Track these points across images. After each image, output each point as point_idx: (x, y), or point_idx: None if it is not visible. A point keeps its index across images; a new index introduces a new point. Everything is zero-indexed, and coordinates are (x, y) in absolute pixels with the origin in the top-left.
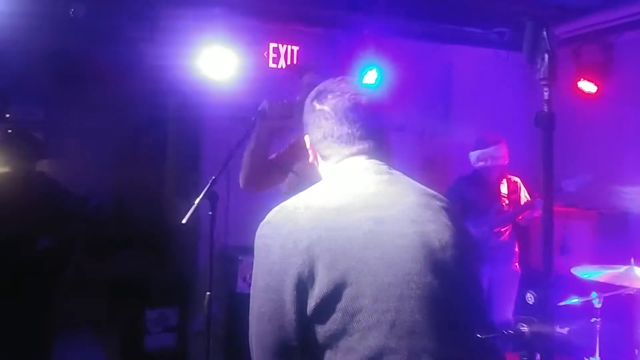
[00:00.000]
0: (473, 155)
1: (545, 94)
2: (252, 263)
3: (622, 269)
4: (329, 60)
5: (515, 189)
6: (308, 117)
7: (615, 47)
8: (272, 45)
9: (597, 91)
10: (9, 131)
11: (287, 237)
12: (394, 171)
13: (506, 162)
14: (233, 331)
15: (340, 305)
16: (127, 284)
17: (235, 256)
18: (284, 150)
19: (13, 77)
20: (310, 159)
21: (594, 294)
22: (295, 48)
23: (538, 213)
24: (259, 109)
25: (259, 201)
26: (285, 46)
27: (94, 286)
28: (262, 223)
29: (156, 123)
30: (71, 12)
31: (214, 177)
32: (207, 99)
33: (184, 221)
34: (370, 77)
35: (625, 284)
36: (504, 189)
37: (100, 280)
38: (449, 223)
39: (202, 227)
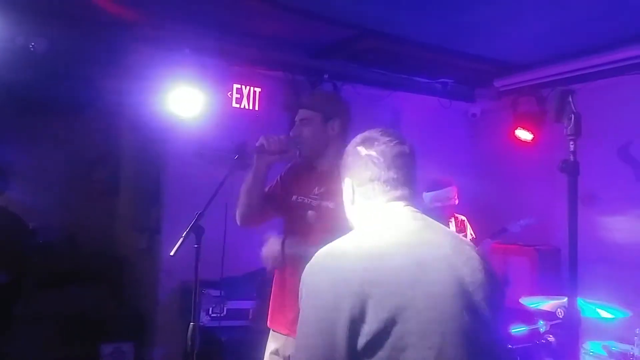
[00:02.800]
0: (427, 196)
1: (572, 146)
2: (218, 296)
3: (565, 299)
4: (290, 102)
5: (462, 227)
6: (352, 161)
7: (548, 100)
8: (236, 86)
9: (532, 139)
10: None
11: (339, 277)
12: (426, 217)
13: (457, 202)
14: None
15: (389, 341)
16: (80, 317)
17: (197, 289)
18: (275, 184)
19: None
20: (349, 198)
21: (540, 322)
22: (258, 89)
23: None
24: (257, 144)
25: (221, 237)
26: (248, 87)
27: (46, 320)
28: (311, 263)
29: (111, 158)
30: (31, 46)
31: (199, 212)
32: (169, 135)
33: (172, 253)
34: None
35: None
36: (452, 227)
37: (53, 314)
38: (479, 266)
39: (164, 261)
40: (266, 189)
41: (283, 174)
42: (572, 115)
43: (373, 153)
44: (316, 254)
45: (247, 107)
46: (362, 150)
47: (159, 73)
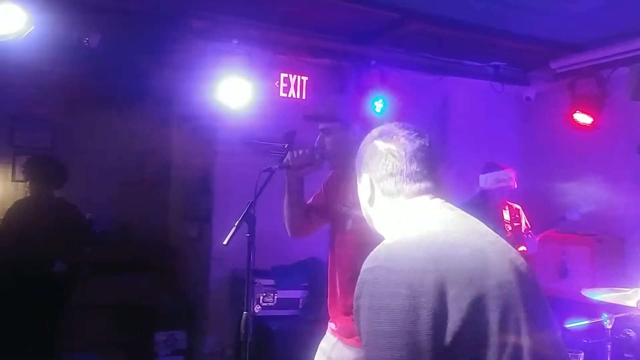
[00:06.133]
0: (486, 177)
1: None
2: (268, 286)
3: (631, 290)
4: (336, 89)
5: (517, 216)
6: (370, 156)
7: (608, 81)
8: (283, 75)
9: (592, 123)
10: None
11: (411, 277)
12: (456, 207)
13: (515, 186)
14: (245, 353)
15: (472, 336)
16: (134, 306)
17: (249, 278)
18: (319, 192)
19: (21, 102)
20: (366, 195)
21: (604, 316)
22: (305, 78)
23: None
24: (284, 161)
25: (272, 227)
26: (295, 76)
27: (101, 309)
28: (371, 267)
29: (162, 149)
30: (85, 41)
31: (251, 201)
32: (218, 125)
33: (225, 242)
34: (377, 106)
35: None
36: (506, 215)
37: (108, 303)
38: (515, 252)
39: (214, 250)
40: (311, 199)
41: (326, 182)
42: None
43: (392, 146)
44: (370, 259)
45: (294, 96)
46: (381, 144)
47: (208, 64)
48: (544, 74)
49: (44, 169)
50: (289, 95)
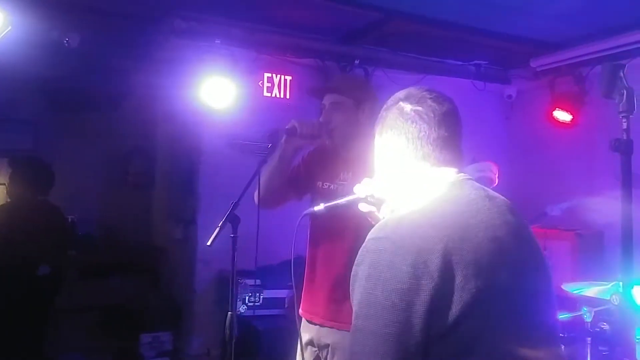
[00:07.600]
0: (471, 168)
1: (624, 124)
2: (254, 285)
3: (610, 284)
4: (316, 86)
5: None
6: (394, 118)
7: (587, 79)
8: (267, 75)
9: (571, 120)
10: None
11: (417, 255)
12: (482, 185)
13: (496, 182)
14: (231, 352)
15: (472, 325)
16: (120, 308)
17: (234, 279)
18: (297, 165)
19: (2, 105)
20: (386, 158)
21: (584, 309)
22: (289, 78)
23: None
24: (288, 127)
25: (256, 227)
26: (279, 76)
27: (86, 311)
28: (377, 237)
29: (146, 150)
30: (65, 42)
31: (234, 201)
32: (202, 126)
33: (208, 243)
34: None
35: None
36: None
37: (93, 305)
38: (533, 237)
39: (200, 251)
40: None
41: (306, 156)
42: (624, 91)
43: (420, 109)
44: (377, 229)
45: (278, 95)
46: (407, 106)
47: (190, 65)
48: (524, 72)
49: (29, 173)
50: (273, 95)
